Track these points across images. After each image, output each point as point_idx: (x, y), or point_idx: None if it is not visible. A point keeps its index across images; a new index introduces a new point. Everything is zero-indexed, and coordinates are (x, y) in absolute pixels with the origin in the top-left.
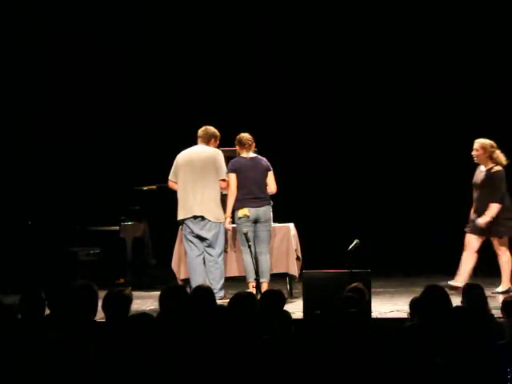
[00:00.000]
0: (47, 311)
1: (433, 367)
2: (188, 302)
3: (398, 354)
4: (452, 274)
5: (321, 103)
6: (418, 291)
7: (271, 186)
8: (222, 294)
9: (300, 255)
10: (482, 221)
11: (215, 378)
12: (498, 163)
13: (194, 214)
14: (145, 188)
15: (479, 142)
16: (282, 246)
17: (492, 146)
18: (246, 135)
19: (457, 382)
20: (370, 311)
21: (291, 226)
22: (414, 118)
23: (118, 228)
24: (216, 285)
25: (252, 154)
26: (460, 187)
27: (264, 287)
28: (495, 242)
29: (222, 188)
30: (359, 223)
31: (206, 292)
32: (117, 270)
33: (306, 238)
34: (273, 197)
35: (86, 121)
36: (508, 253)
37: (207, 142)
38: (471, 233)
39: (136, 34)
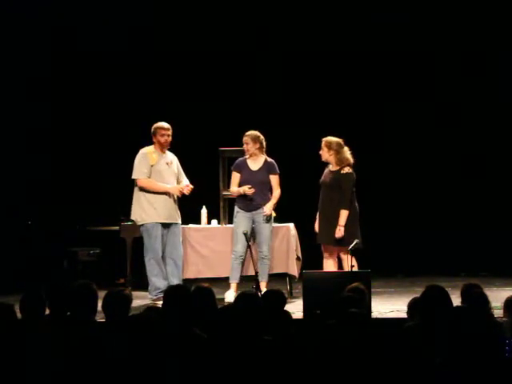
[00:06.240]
0: (47, 311)
1: (433, 367)
2: (189, 301)
3: (398, 353)
4: (452, 274)
5: (320, 103)
6: (418, 291)
7: None
8: (150, 295)
9: (300, 255)
10: None
11: (215, 378)
12: None
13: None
14: None
15: None
16: (282, 245)
17: None
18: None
19: (457, 381)
20: (370, 311)
21: (291, 225)
22: (411, 118)
23: (117, 228)
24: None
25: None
26: (460, 187)
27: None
28: None
29: (142, 187)
30: (359, 223)
31: (206, 292)
32: (117, 270)
33: (306, 237)
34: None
35: (85, 121)
36: None
37: (153, 141)
38: None
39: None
